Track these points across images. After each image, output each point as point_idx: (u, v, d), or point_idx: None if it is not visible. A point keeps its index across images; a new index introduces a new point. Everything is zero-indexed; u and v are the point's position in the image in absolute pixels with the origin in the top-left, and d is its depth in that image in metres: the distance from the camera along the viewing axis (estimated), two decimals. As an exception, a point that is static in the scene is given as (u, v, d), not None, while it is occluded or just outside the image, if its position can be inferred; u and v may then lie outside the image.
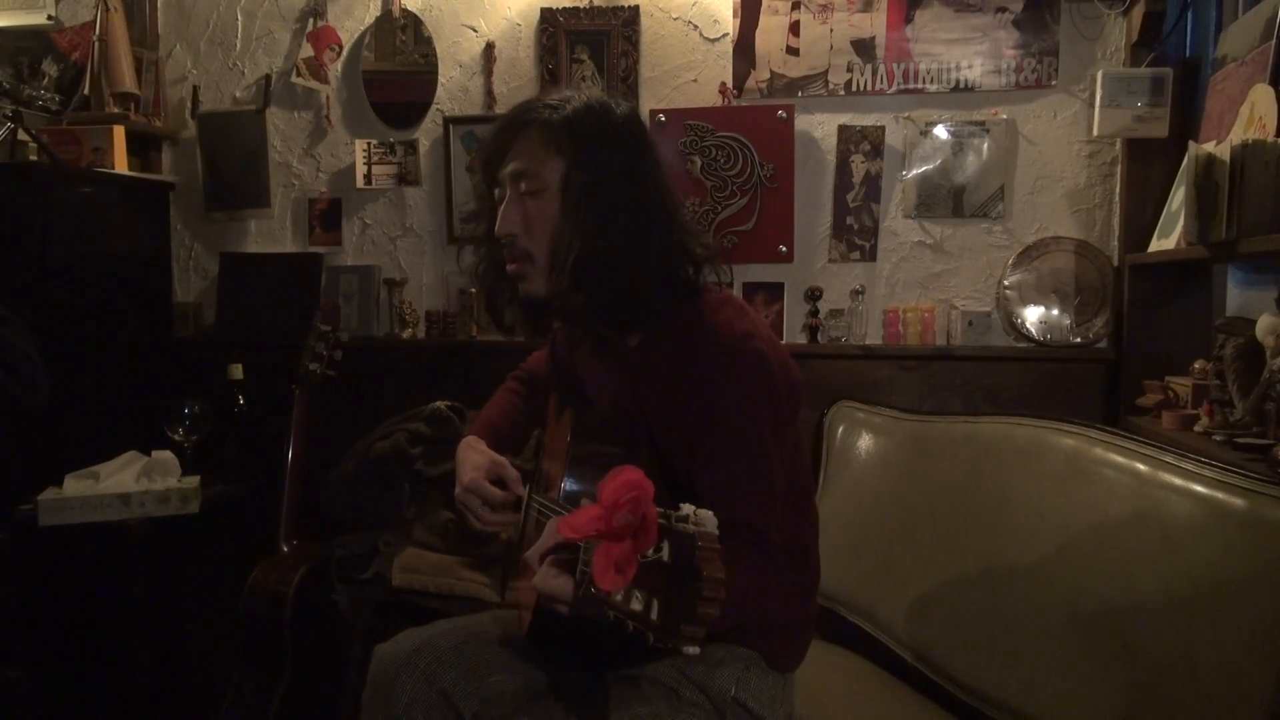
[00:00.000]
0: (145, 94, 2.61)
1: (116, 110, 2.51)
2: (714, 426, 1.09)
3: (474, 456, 1.29)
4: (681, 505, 0.77)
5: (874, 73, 2.33)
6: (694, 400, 1.11)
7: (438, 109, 2.56)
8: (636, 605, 0.75)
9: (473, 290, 2.49)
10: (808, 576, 1.27)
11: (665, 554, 0.74)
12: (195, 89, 2.67)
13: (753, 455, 1.09)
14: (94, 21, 2.49)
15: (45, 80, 2.55)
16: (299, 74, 2.58)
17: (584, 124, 1.14)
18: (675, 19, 2.43)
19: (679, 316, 1.17)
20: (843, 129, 2.36)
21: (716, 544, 0.74)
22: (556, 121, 1.14)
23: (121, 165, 2.47)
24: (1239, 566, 1.06)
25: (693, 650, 0.74)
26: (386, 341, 2.58)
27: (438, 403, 2.16)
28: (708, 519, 0.76)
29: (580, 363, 1.38)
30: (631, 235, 1.12)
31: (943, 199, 2.33)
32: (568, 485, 1.14)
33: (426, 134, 2.57)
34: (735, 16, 2.39)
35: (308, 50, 2.57)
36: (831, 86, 2.35)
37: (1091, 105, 2.15)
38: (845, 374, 2.30)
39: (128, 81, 2.53)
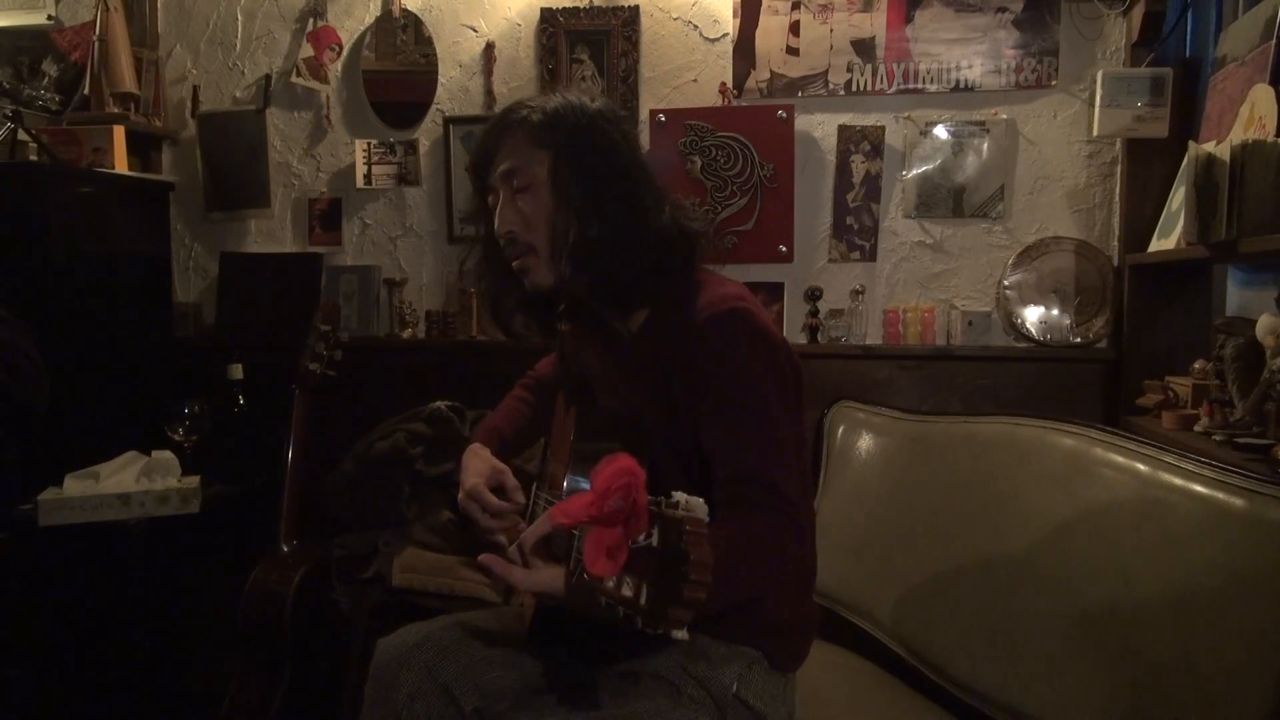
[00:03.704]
0: (145, 94, 2.61)
1: (116, 110, 2.51)
2: (713, 384, 1.11)
3: (476, 463, 1.31)
4: (673, 493, 0.77)
5: (874, 73, 2.33)
6: (693, 364, 1.13)
7: (438, 109, 2.56)
8: (627, 591, 0.76)
9: (473, 290, 2.50)
10: (802, 576, 1.27)
11: (655, 539, 0.75)
12: (195, 89, 2.67)
13: (754, 407, 1.10)
14: (94, 21, 2.49)
15: (45, 80, 2.54)
16: (299, 74, 2.58)
17: (565, 118, 1.19)
18: (675, 19, 2.43)
19: (675, 292, 1.20)
20: (843, 129, 2.36)
21: (704, 528, 0.74)
22: (538, 119, 1.19)
23: (121, 165, 2.47)
24: (1239, 566, 1.06)
25: (680, 635, 0.74)
26: (386, 341, 2.58)
27: (438, 403, 2.16)
28: (698, 505, 0.76)
29: (586, 364, 1.38)
30: (627, 213, 1.16)
31: (943, 199, 2.33)
32: (570, 482, 1.14)
33: (426, 134, 2.58)
34: (735, 16, 2.39)
35: (308, 50, 2.57)
36: (831, 86, 2.35)
37: (1091, 105, 2.15)
38: (845, 374, 2.30)
39: (128, 81, 2.53)
